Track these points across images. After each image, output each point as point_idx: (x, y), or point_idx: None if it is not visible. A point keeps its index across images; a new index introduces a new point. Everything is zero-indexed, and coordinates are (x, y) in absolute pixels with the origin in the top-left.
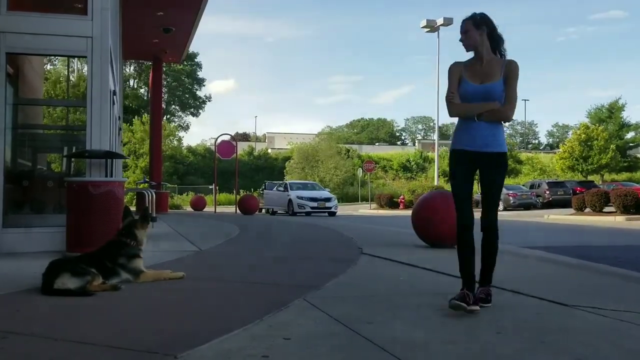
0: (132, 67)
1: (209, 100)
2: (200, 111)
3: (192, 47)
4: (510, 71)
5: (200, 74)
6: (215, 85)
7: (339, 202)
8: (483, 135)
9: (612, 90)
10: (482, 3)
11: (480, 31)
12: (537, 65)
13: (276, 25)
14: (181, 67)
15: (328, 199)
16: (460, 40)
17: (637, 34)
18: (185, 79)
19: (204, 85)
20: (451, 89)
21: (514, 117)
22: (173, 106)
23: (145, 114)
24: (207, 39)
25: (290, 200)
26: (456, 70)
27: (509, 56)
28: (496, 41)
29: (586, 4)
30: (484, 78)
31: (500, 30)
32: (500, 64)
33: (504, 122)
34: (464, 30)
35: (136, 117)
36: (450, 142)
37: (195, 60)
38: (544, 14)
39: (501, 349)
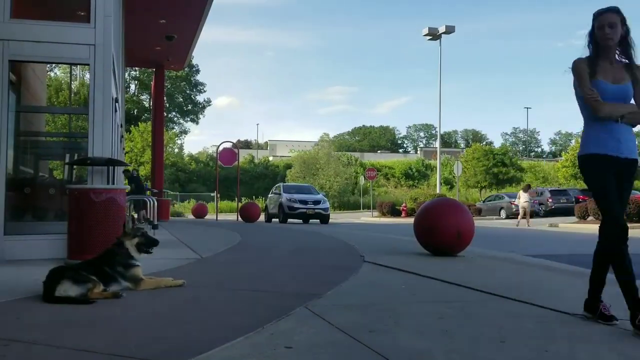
0: (127, 74)
1: (208, 105)
2: (200, 116)
3: (194, 56)
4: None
5: (200, 79)
6: (220, 100)
7: (340, 210)
8: (628, 140)
9: None
10: (476, 13)
11: (623, 28)
12: (538, 74)
13: (277, 36)
14: (178, 73)
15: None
16: (603, 33)
17: None
18: (184, 84)
19: (204, 91)
20: (590, 88)
21: None
22: (173, 113)
23: (141, 123)
24: (211, 51)
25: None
26: (584, 68)
27: (508, 64)
28: (628, 44)
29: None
30: (615, 79)
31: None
32: (622, 66)
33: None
34: (611, 23)
35: (132, 125)
36: (453, 149)
37: (192, 63)
38: (538, 26)
39: (505, 358)
